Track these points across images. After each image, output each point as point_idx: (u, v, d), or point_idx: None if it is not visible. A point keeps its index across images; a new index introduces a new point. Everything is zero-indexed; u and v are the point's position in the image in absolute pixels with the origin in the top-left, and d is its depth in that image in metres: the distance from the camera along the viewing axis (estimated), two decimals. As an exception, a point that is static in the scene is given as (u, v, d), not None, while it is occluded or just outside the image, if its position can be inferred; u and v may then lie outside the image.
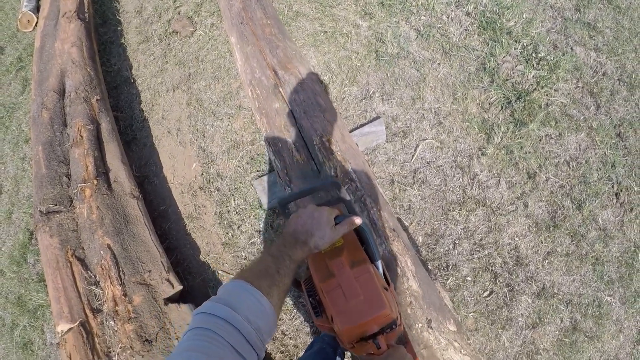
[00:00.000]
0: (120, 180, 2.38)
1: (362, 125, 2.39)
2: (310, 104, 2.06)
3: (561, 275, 2.12)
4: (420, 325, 1.57)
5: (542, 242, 2.18)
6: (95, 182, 2.29)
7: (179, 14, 3.23)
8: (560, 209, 2.24)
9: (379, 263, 1.14)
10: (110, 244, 2.15)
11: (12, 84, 3.55)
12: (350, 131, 2.34)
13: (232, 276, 2.34)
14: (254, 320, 0.80)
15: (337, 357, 1.63)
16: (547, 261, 2.15)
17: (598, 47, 2.64)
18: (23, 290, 2.62)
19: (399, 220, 2.22)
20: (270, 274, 0.91)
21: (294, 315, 2.22)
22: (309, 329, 2.18)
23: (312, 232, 1.03)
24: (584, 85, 2.52)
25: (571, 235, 2.18)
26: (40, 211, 2.25)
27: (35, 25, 3.65)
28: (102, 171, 2.38)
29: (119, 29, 3.43)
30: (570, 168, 2.31)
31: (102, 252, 2.13)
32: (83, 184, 2.28)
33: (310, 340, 2.06)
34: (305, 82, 2.14)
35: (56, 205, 2.28)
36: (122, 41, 3.36)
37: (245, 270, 0.93)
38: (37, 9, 3.74)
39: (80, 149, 2.39)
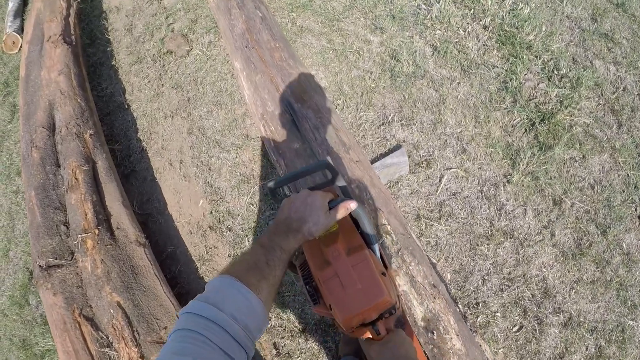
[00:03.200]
0: (123, 226, 2.19)
1: (383, 156, 2.26)
2: (333, 142, 1.90)
3: (587, 303, 2.08)
4: (465, 384, 1.51)
5: (568, 272, 2.12)
6: (96, 231, 2.10)
7: (172, 31, 2.99)
8: (585, 236, 2.18)
9: (376, 246, 1.12)
10: (120, 301, 1.98)
11: (0, 111, 3.29)
12: (371, 163, 2.20)
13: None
14: (241, 318, 0.78)
15: None
16: (573, 290, 2.10)
17: (617, 60, 2.56)
18: (27, 333, 2.46)
19: (427, 258, 2.13)
20: (260, 267, 0.88)
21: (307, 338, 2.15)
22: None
23: (305, 218, 0.99)
24: (606, 102, 2.44)
25: (596, 262, 2.13)
26: (40, 266, 2.06)
27: (21, 47, 3.38)
28: (103, 217, 2.18)
29: (108, 49, 3.17)
30: (594, 192, 2.25)
31: (112, 310, 1.97)
32: (84, 235, 2.09)
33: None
34: (324, 116, 1.98)
35: (56, 258, 2.08)
36: (113, 62, 3.11)
37: (233, 264, 0.90)
38: (21, 29, 3.49)
39: (76, 194, 2.18)
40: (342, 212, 1.04)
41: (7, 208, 2.88)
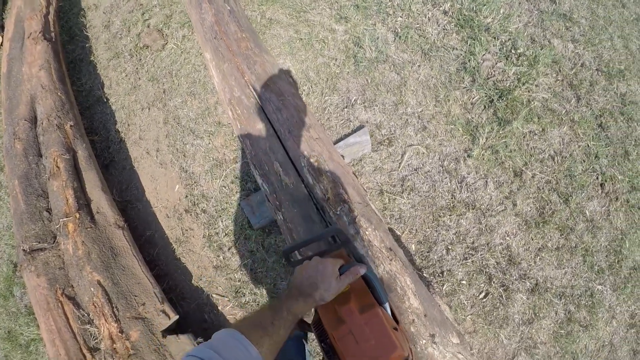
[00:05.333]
0: (102, 210, 2.30)
1: (346, 136, 2.36)
2: (295, 122, 2.01)
3: (553, 269, 2.16)
4: (424, 341, 1.56)
5: (532, 239, 2.21)
6: (77, 215, 2.21)
7: (148, 27, 3.10)
8: (548, 205, 2.26)
9: (387, 305, 1.17)
10: (100, 280, 2.08)
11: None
12: (335, 143, 2.31)
13: (227, 301, 2.32)
14: None
15: (304, 341, 1.64)
16: (538, 257, 2.18)
17: (575, 38, 2.65)
18: (12, 324, 2.53)
19: (391, 230, 2.21)
20: (264, 326, 0.97)
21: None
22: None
23: (317, 285, 1.07)
24: (564, 78, 2.53)
25: (560, 230, 2.21)
26: (24, 250, 2.17)
27: (1, 44, 3.44)
28: (84, 203, 2.29)
29: (87, 45, 3.28)
30: (555, 163, 2.34)
31: (92, 289, 2.07)
32: (65, 219, 2.20)
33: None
34: (287, 98, 2.09)
35: (39, 242, 2.19)
36: (92, 58, 3.21)
37: (241, 320, 1.01)
38: (1, 27, 3.55)
39: (58, 181, 2.29)
40: (351, 277, 1.12)
41: (-11, 203, 2.94)
